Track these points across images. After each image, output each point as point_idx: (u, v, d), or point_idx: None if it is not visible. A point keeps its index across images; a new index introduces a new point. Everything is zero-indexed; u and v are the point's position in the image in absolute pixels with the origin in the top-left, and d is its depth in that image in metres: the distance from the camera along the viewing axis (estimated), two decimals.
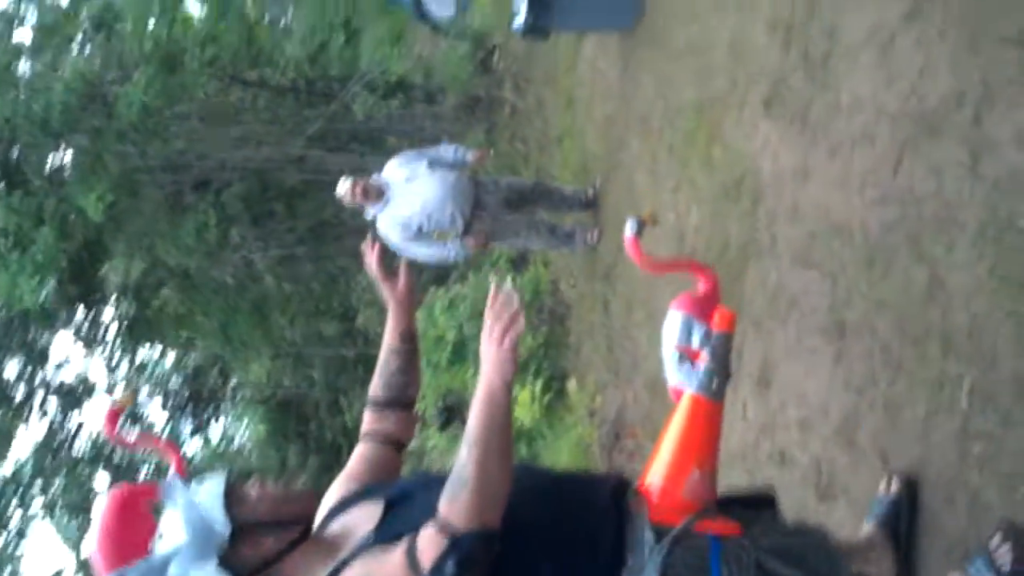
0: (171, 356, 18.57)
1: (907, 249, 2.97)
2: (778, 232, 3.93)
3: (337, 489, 2.29)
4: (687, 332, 2.39)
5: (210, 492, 2.02)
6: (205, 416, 18.85)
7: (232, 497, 2.03)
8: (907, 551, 2.74)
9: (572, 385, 7.04)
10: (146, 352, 17.81)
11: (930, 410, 2.77)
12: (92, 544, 2.13)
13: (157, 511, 2.07)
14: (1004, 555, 2.34)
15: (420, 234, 6.23)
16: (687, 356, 2.37)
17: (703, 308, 2.42)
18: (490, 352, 1.90)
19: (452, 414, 8.96)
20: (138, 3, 12.75)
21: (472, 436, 1.87)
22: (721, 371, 2.27)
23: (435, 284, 9.55)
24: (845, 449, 3.20)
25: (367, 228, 10.72)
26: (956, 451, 2.63)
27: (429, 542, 1.84)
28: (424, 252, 6.50)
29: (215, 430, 19.98)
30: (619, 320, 6.17)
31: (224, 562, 1.97)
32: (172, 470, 2.19)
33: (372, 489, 2.23)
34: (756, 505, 2.46)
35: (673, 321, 2.45)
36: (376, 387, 2.45)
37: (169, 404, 17.81)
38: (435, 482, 2.07)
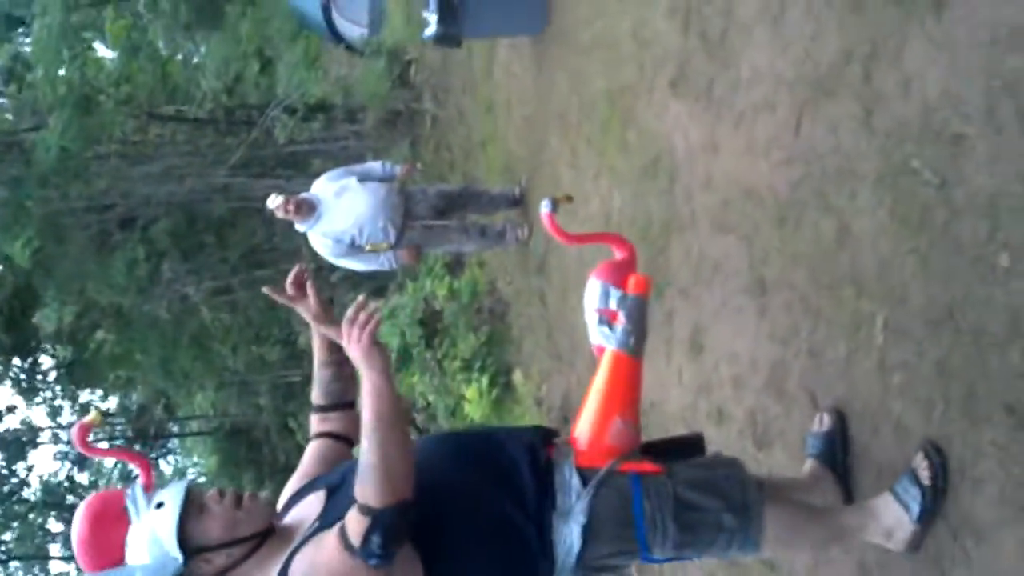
0: (113, 398, 18.38)
1: (814, 203, 3.17)
2: (696, 204, 4.12)
3: (291, 486, 2.48)
4: (605, 296, 2.51)
5: (166, 520, 2.16)
6: (154, 454, 18.67)
7: (191, 510, 2.19)
8: (845, 479, 2.92)
9: (518, 377, 7.17)
10: (87, 395, 17.60)
11: (850, 349, 2.95)
12: (75, 546, 2.24)
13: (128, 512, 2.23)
14: (924, 471, 2.53)
15: (353, 247, 6.32)
16: (606, 317, 2.49)
17: (619, 274, 2.56)
18: (356, 352, 2.11)
19: None
20: (47, 50, 12.66)
21: (368, 427, 2.05)
22: (637, 330, 2.45)
23: (374, 296, 9.65)
24: (776, 398, 3.39)
25: (300, 249, 10.79)
26: (877, 384, 2.81)
27: (354, 523, 2.01)
28: (358, 264, 6.61)
29: (165, 466, 19.80)
30: (556, 309, 6.33)
31: None
32: (139, 481, 2.30)
33: (317, 480, 2.42)
34: (683, 449, 2.67)
35: (592, 288, 2.57)
36: (316, 396, 2.63)
37: (115, 445, 17.54)
38: None
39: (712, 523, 2.37)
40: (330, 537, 2.05)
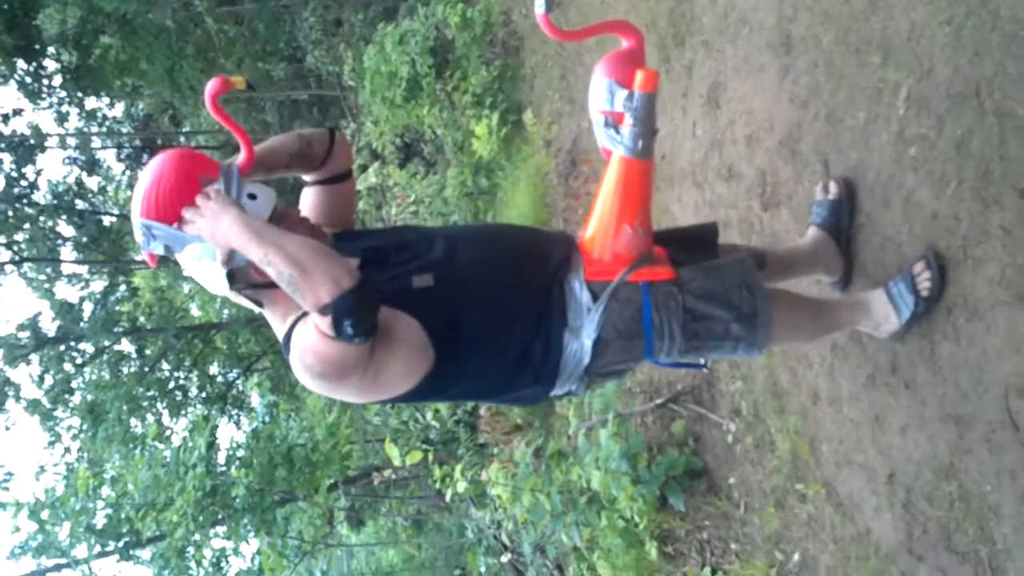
0: (119, 106, 18.21)
1: None
2: None
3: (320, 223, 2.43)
4: (610, 96, 2.29)
5: (258, 213, 2.15)
6: None
7: (275, 214, 2.20)
8: (848, 248, 2.96)
9: (528, 116, 7.09)
10: (94, 101, 17.42)
11: (869, 117, 2.91)
12: (140, 187, 2.20)
13: (207, 184, 2.18)
14: (924, 281, 2.57)
15: None
16: (612, 120, 2.31)
17: (625, 68, 2.30)
18: (210, 227, 2.06)
19: (410, 151, 9.03)
20: None
21: (266, 258, 1.99)
22: (646, 131, 2.28)
23: (384, 20, 9.38)
24: (789, 160, 3.37)
25: None
26: (893, 154, 2.79)
27: (320, 324, 2.00)
28: None
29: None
30: (572, 48, 6.18)
31: (230, 273, 2.18)
32: (239, 161, 2.23)
33: (352, 240, 2.39)
34: (697, 241, 2.67)
35: (597, 86, 2.34)
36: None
37: (123, 154, 17.58)
38: (409, 244, 2.29)
39: (720, 332, 2.40)
40: (310, 329, 2.05)
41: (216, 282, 2.22)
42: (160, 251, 2.23)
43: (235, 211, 2.06)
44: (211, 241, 2.08)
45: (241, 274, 2.20)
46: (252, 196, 2.18)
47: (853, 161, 2.98)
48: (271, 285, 2.19)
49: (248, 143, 2.23)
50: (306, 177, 2.51)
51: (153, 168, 2.20)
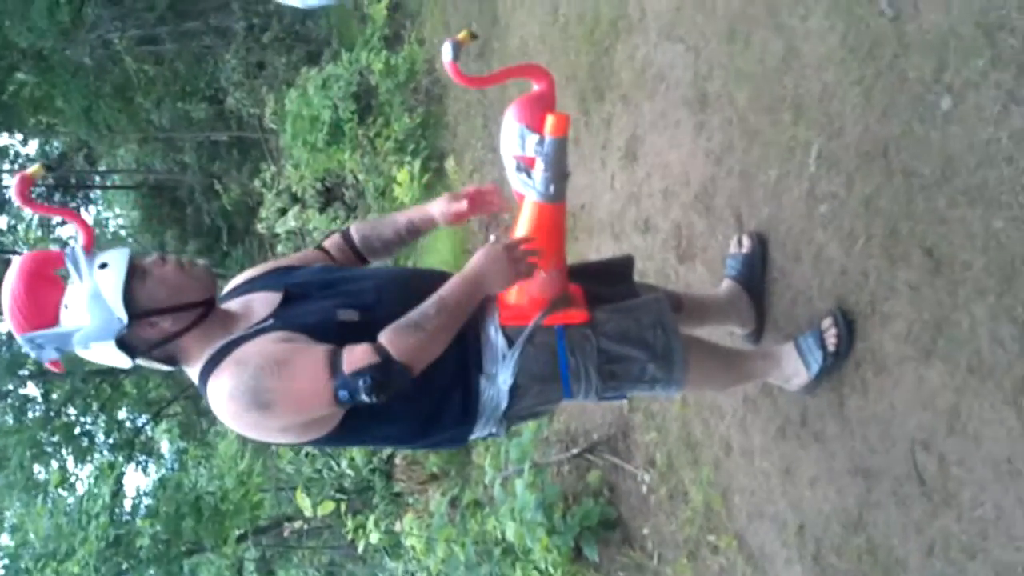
0: (33, 143, 17.83)
1: (766, 20, 3.09)
2: (647, 6, 4.00)
3: (250, 272, 2.45)
4: (521, 141, 2.31)
5: (112, 280, 2.10)
6: (74, 204, 18.31)
7: (134, 276, 2.13)
8: (760, 301, 3.00)
9: (450, 164, 7.10)
10: (6, 139, 17.03)
11: (781, 174, 2.96)
12: (5, 304, 2.15)
13: (65, 277, 2.16)
14: (831, 337, 2.62)
15: None
16: (524, 164, 2.31)
17: (536, 112, 2.32)
18: (505, 266, 2.20)
19: (331, 195, 8.98)
20: None
21: (448, 304, 2.12)
22: (557, 176, 2.28)
23: (307, 64, 9.36)
24: (703, 214, 3.41)
25: (230, 3, 10.31)
26: (804, 210, 2.84)
27: (360, 354, 2.00)
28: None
29: (86, 215, 19.49)
30: (494, 96, 6.21)
31: (121, 342, 2.13)
32: (80, 242, 2.20)
33: (276, 277, 2.37)
34: (613, 275, 2.70)
35: (509, 130, 2.36)
36: (363, 233, 2.60)
37: (35, 192, 17.13)
38: (335, 282, 2.31)
39: (636, 373, 2.41)
40: (317, 349, 2.04)
41: (115, 357, 2.18)
42: (55, 355, 2.20)
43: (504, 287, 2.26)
44: (495, 265, 2.21)
45: (134, 339, 2.15)
46: (103, 265, 2.13)
47: (765, 216, 3.02)
48: (170, 338, 2.16)
49: (81, 222, 2.27)
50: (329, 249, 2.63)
51: (5, 287, 2.16)
